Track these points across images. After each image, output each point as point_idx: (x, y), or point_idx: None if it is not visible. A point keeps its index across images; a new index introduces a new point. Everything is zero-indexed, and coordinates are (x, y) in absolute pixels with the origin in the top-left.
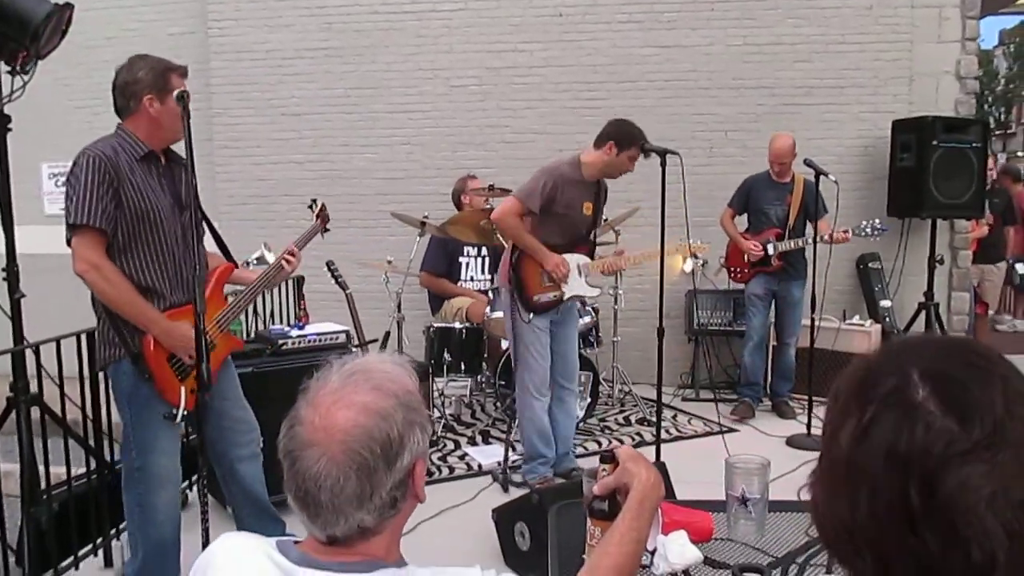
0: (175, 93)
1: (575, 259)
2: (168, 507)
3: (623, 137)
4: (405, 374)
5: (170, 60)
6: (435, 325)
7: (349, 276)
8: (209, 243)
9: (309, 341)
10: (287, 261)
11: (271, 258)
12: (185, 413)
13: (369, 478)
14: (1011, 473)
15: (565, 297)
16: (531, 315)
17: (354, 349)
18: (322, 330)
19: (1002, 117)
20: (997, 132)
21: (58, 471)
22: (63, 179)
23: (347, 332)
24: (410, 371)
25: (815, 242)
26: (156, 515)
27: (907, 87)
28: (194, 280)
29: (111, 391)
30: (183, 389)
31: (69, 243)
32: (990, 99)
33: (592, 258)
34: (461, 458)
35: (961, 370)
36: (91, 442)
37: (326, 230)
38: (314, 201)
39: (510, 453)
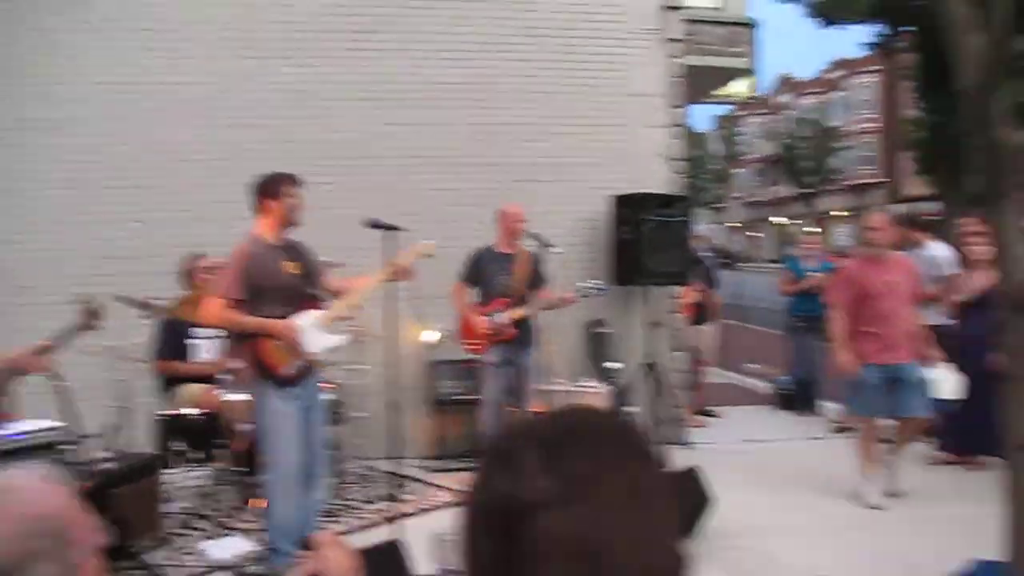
0: None
1: (306, 317)
2: None
3: (267, 188)
4: (50, 495)
5: None
6: (165, 413)
7: (69, 365)
8: None
9: (12, 440)
10: None
11: None
12: None
13: None
14: (585, 526)
15: (315, 355)
16: (293, 389)
17: (72, 447)
18: (29, 428)
19: (718, 192)
20: (714, 205)
21: None
22: None
23: (64, 428)
24: (61, 492)
25: (541, 309)
26: None
27: (625, 166)
28: None
29: None
30: None
31: None
32: (704, 177)
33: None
34: (195, 554)
35: (565, 436)
36: None
37: None
38: None
39: (251, 544)
